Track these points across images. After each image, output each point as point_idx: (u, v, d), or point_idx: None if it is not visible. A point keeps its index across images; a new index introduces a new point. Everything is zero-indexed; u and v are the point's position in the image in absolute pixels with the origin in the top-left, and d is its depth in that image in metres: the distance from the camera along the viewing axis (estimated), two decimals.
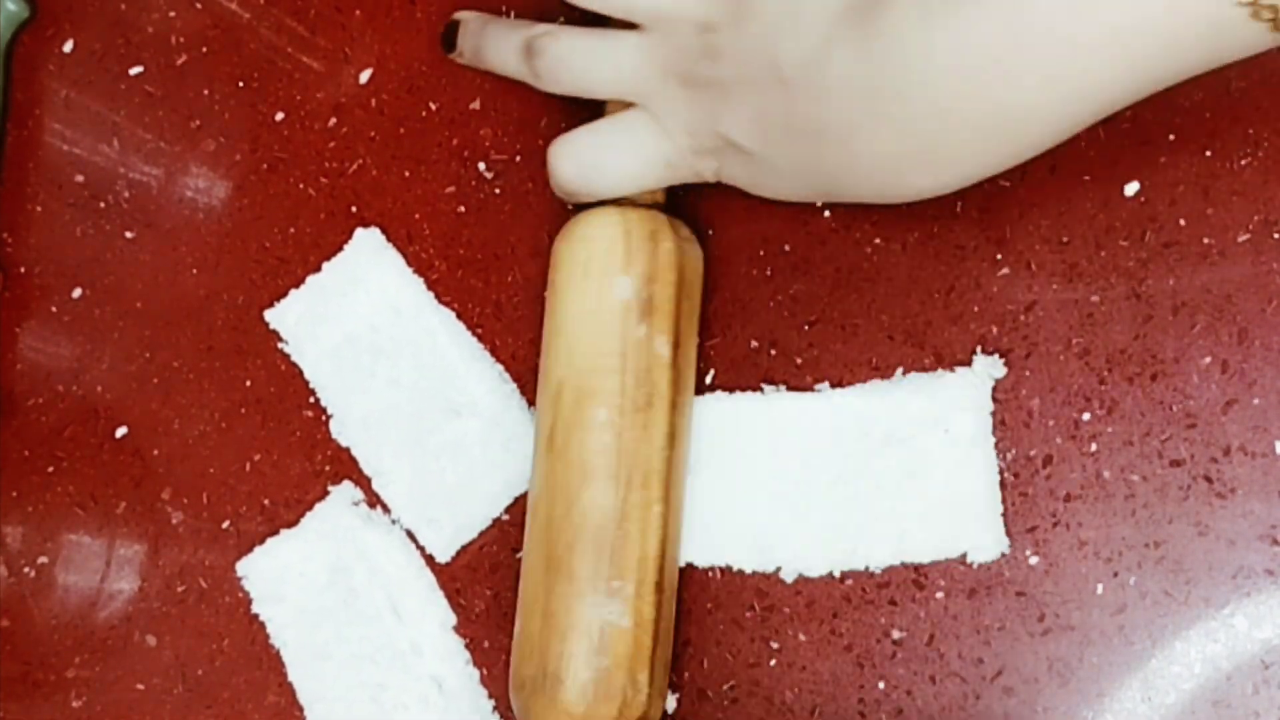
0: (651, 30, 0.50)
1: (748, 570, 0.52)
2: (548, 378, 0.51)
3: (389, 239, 0.57)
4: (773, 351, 0.53)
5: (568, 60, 0.52)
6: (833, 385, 0.52)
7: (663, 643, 0.51)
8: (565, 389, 0.50)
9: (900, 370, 0.51)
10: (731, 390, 0.53)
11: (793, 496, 0.51)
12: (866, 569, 0.51)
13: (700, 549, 0.52)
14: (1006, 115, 0.44)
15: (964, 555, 0.50)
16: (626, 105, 0.52)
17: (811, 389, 0.52)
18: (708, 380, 0.54)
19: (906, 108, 0.44)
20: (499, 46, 0.54)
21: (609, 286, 0.50)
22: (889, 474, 0.50)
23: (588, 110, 0.53)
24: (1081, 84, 0.43)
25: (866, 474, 0.50)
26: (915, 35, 0.44)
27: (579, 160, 0.52)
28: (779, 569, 0.51)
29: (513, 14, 0.57)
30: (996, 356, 0.50)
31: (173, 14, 0.62)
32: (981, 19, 0.43)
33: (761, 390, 0.53)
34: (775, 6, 0.47)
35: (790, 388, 0.52)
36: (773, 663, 0.52)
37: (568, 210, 0.55)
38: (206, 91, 0.61)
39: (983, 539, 0.49)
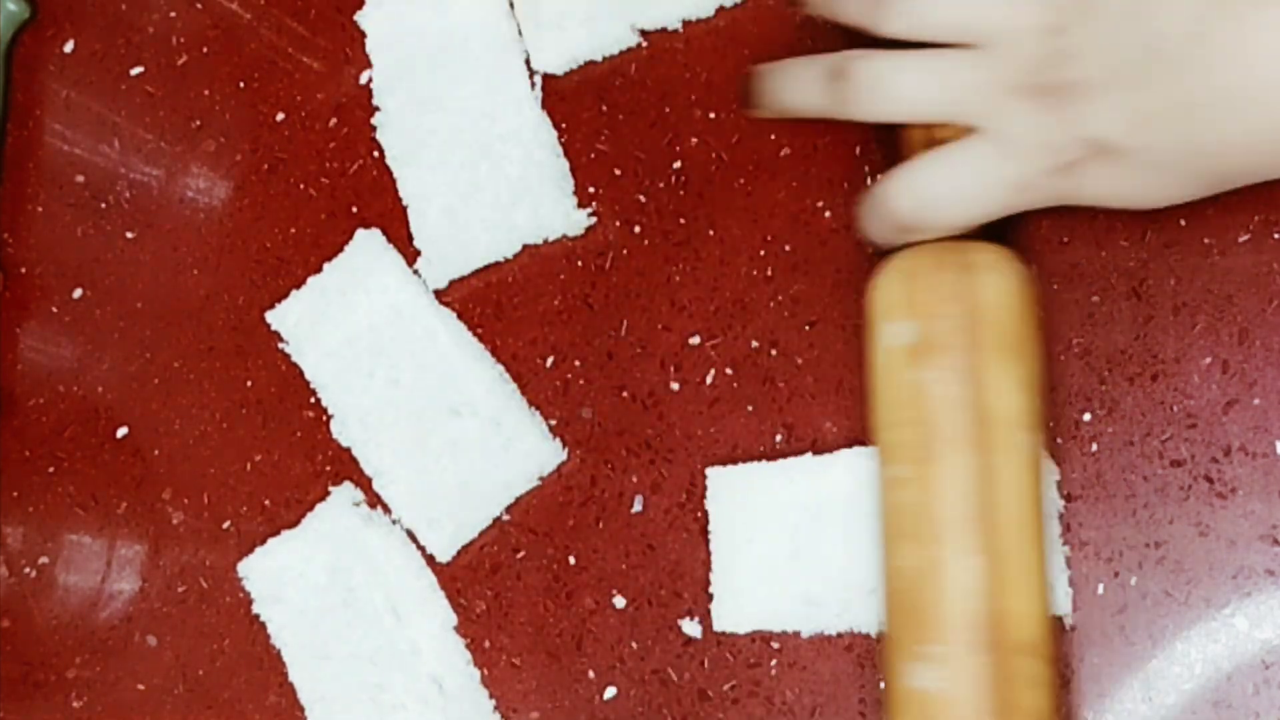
0: (987, 47, 0.47)
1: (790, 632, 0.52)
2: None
3: (389, 239, 0.57)
4: (773, 352, 0.53)
5: (885, 83, 0.48)
6: (834, 388, 0.52)
7: (1021, 708, 0.46)
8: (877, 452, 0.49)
9: None
10: (733, 393, 0.53)
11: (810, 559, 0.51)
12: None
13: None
14: None
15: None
16: (931, 135, 0.48)
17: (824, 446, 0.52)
18: (708, 379, 0.54)
19: None
20: (799, 81, 0.51)
21: (887, 335, 0.48)
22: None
23: None
24: None
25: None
26: None
27: (922, 195, 0.48)
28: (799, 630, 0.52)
29: None
30: None
31: (173, 14, 0.62)
32: None
33: (778, 441, 0.52)
34: None
35: (792, 446, 0.52)
36: (773, 663, 0.52)
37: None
38: (207, 92, 0.61)
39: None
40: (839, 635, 0.51)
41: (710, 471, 0.53)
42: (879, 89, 0.48)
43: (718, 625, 0.52)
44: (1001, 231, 0.49)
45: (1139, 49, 0.45)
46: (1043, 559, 0.47)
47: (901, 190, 0.48)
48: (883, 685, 0.50)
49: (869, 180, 0.53)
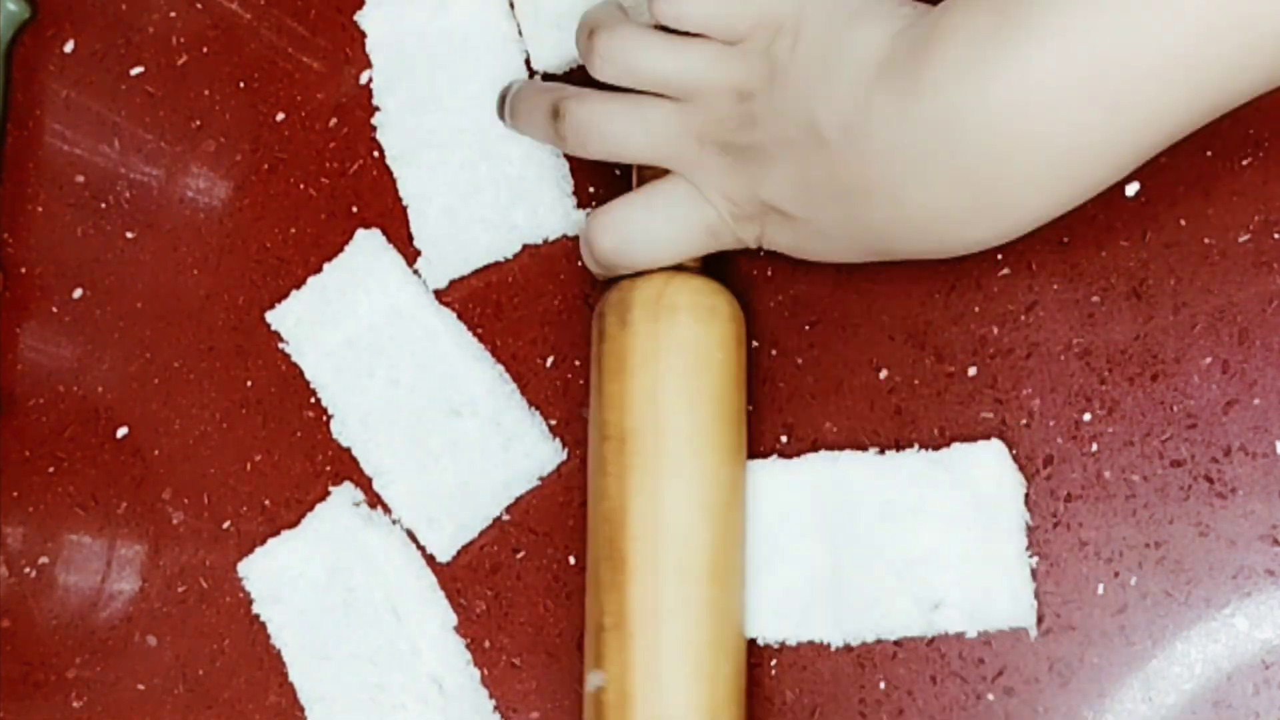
0: (688, 100, 0.49)
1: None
2: None
3: (389, 239, 0.57)
4: (773, 352, 0.53)
5: (596, 124, 0.50)
6: (834, 388, 0.52)
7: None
8: None
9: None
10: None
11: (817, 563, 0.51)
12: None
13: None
14: (1070, 153, 0.43)
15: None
16: (658, 172, 0.51)
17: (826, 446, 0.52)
18: None
19: (962, 159, 0.44)
20: (529, 108, 0.53)
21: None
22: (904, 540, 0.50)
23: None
24: (1148, 112, 0.42)
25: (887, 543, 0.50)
26: (966, 84, 0.43)
27: (618, 233, 0.51)
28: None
29: None
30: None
31: (173, 14, 0.62)
32: (1038, 56, 0.42)
33: (780, 441, 0.52)
34: (810, 70, 0.46)
35: (788, 451, 0.52)
36: (773, 662, 0.52)
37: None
38: (207, 92, 0.61)
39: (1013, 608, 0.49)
40: (853, 645, 0.51)
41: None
42: (590, 131, 0.50)
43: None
44: (722, 266, 0.52)
45: (804, 129, 0.46)
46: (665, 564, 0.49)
47: (605, 228, 0.51)
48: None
49: None
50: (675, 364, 0.50)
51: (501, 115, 0.55)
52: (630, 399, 0.49)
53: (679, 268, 0.51)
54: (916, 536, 0.49)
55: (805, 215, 0.48)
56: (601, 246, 0.51)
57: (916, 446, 0.50)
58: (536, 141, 0.55)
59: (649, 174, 0.51)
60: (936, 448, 0.50)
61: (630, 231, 0.51)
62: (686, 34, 0.49)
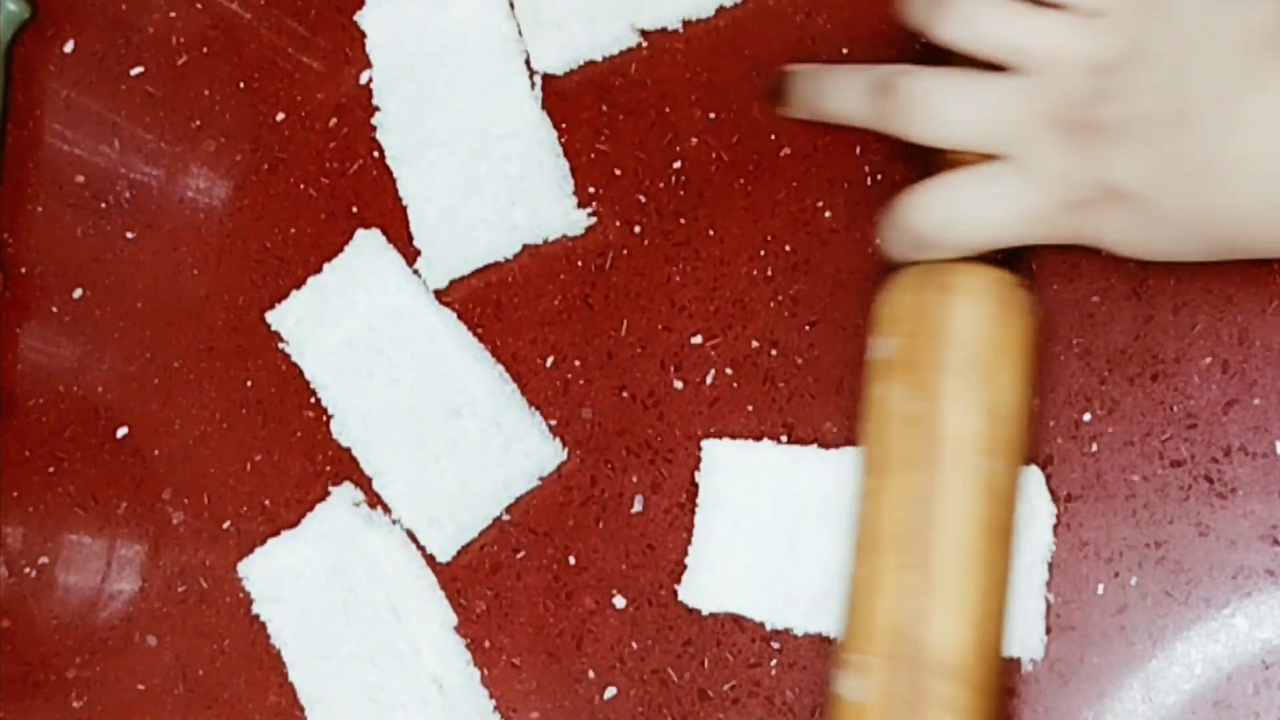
0: (1032, 73, 0.47)
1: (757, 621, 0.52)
2: None
3: (389, 239, 0.57)
4: (773, 352, 0.53)
5: (929, 101, 0.48)
6: (834, 388, 0.52)
7: None
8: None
9: None
10: (734, 394, 0.53)
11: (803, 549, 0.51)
12: None
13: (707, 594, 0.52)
14: None
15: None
16: (963, 157, 0.48)
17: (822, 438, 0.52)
18: (708, 379, 0.54)
19: None
20: (841, 90, 0.51)
21: (872, 348, 0.49)
22: None
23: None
24: None
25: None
26: None
27: (945, 211, 0.48)
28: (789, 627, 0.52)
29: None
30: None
31: (173, 14, 0.62)
32: None
33: (779, 441, 0.52)
34: (1180, 44, 0.45)
35: (794, 439, 0.52)
36: (773, 663, 0.52)
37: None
38: (207, 92, 0.61)
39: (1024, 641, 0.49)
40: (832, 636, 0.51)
41: (705, 444, 0.53)
42: (922, 110, 0.48)
43: (682, 596, 0.52)
44: (1021, 260, 0.50)
45: (1172, 103, 0.45)
46: (987, 586, 0.47)
47: (924, 206, 0.48)
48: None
49: (868, 180, 0.53)
50: (1022, 372, 0.48)
51: (780, 104, 0.53)
52: (954, 395, 0.47)
53: (980, 258, 0.49)
54: None
55: (1156, 199, 0.45)
56: (922, 223, 0.48)
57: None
58: (827, 121, 0.52)
59: (956, 158, 0.48)
60: None
61: (955, 211, 0.48)
62: (1044, 3, 0.47)
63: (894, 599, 0.47)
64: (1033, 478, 0.49)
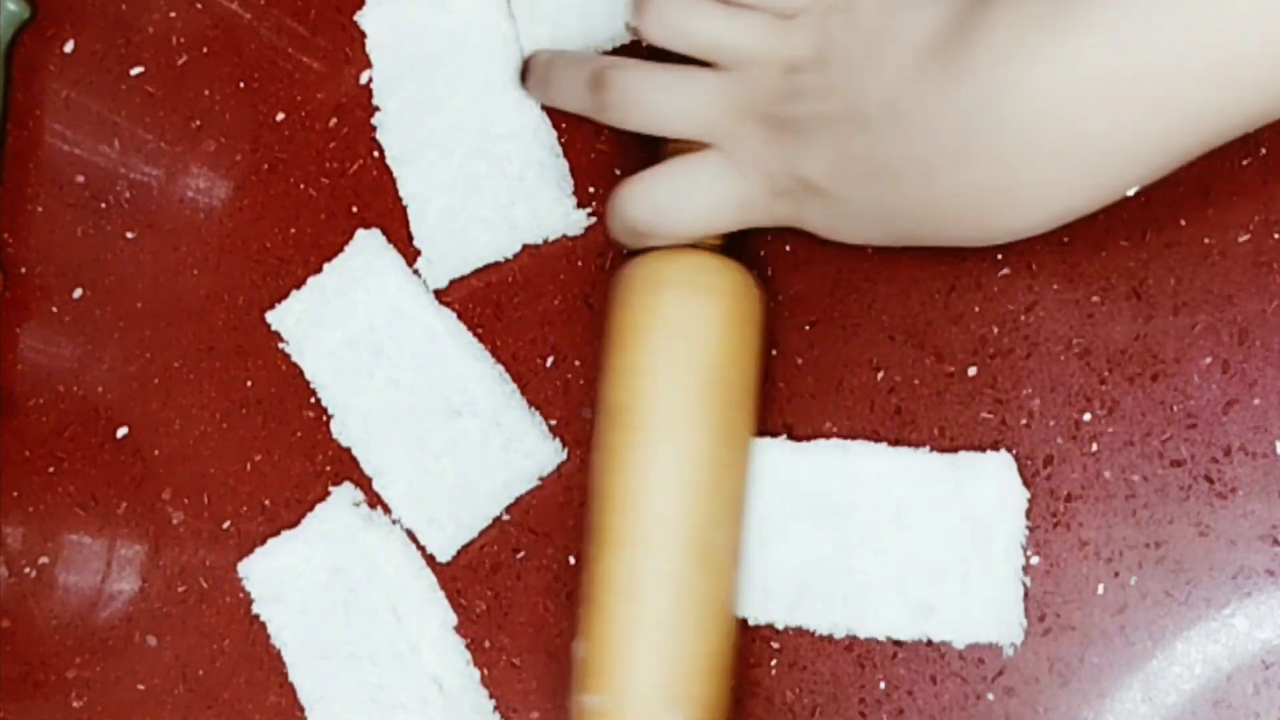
0: (733, 70, 0.49)
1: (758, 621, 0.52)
2: None
3: (389, 239, 0.57)
4: (773, 352, 0.53)
5: (638, 94, 0.51)
6: (834, 388, 0.52)
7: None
8: None
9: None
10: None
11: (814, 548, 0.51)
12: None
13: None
14: (1106, 149, 0.43)
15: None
16: (688, 146, 0.51)
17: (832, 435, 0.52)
18: None
19: (997, 145, 0.44)
20: (566, 78, 0.53)
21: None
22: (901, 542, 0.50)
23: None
24: (1187, 115, 0.42)
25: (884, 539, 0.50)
26: (1009, 71, 0.43)
27: (650, 201, 0.51)
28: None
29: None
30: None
31: (173, 14, 0.62)
32: (1086, 52, 0.42)
33: (786, 438, 0.52)
34: (861, 46, 0.46)
35: (793, 436, 0.52)
36: (773, 663, 0.52)
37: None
38: (207, 92, 0.61)
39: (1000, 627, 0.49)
40: (839, 637, 0.51)
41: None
42: (632, 102, 0.51)
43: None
44: (740, 245, 0.52)
45: (849, 105, 0.47)
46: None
47: (636, 196, 0.51)
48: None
49: None
50: (663, 341, 0.50)
51: (524, 85, 0.55)
52: (621, 374, 0.50)
53: (696, 245, 0.51)
54: (918, 539, 0.49)
55: (840, 194, 0.48)
56: (631, 214, 0.51)
57: (928, 447, 0.50)
58: (572, 113, 0.54)
59: (678, 150, 0.51)
60: (938, 449, 0.50)
61: (662, 201, 0.50)
62: (740, 4, 0.49)
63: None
64: (1002, 464, 0.49)
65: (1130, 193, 0.48)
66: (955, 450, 0.50)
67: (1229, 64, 0.41)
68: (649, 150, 0.52)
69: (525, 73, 0.55)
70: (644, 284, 0.51)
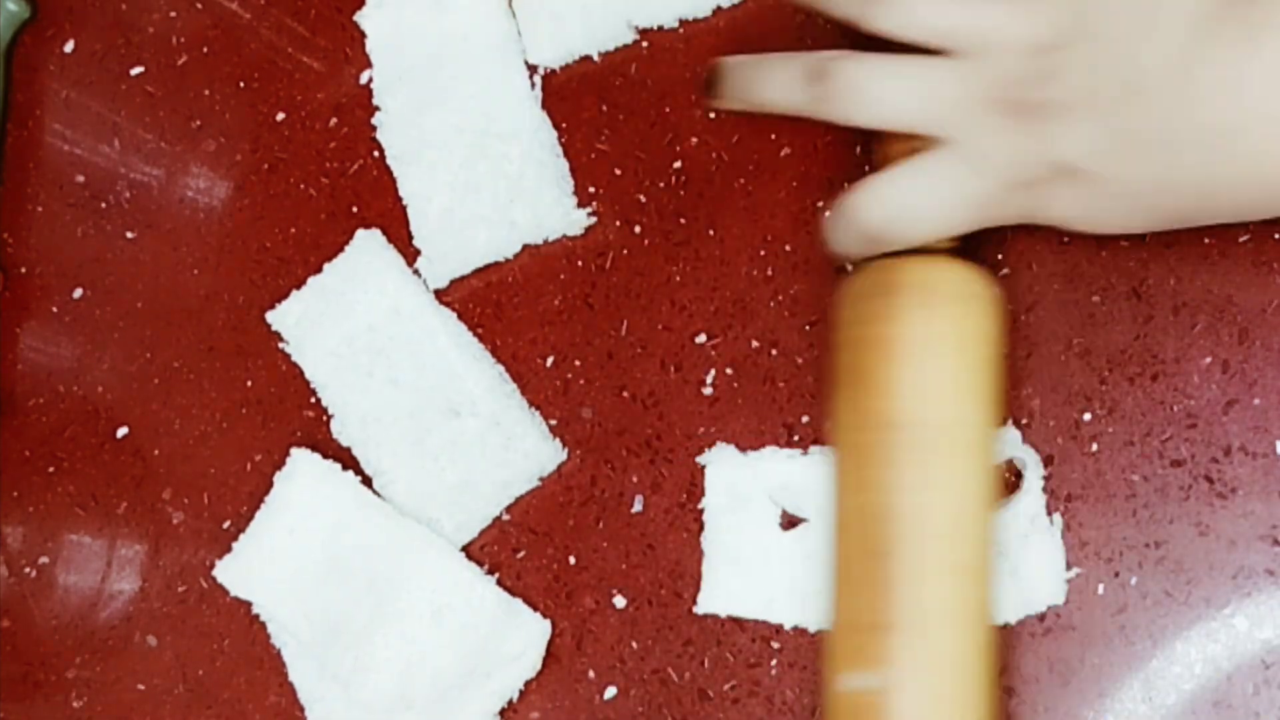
0: (971, 56, 0.47)
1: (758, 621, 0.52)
2: None
3: (389, 239, 0.57)
4: (773, 351, 0.53)
5: (866, 85, 0.48)
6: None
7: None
8: None
9: None
10: (736, 394, 0.53)
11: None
12: None
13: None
14: None
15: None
16: (905, 149, 0.48)
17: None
18: (708, 379, 0.54)
19: None
20: (775, 77, 0.51)
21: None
22: None
23: None
24: None
25: None
26: None
27: (892, 206, 0.48)
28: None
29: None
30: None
31: (173, 14, 0.62)
32: None
33: (780, 441, 0.52)
34: (1126, 15, 0.45)
35: (794, 438, 0.52)
36: (773, 663, 0.52)
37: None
38: (207, 92, 0.61)
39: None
40: None
41: (710, 454, 0.53)
42: (857, 94, 0.48)
43: (700, 609, 0.52)
44: (978, 246, 0.50)
45: (1120, 76, 0.45)
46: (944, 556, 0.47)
47: (870, 201, 0.48)
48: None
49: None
50: (946, 355, 0.47)
51: (711, 93, 0.53)
52: (900, 388, 0.47)
53: (929, 249, 0.49)
54: None
55: (1110, 173, 0.46)
56: (869, 219, 0.48)
57: None
58: (763, 112, 0.52)
59: (897, 150, 0.49)
60: None
61: (904, 204, 0.48)
62: None
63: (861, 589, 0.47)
64: (1010, 437, 0.49)
65: None
66: None
67: None
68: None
69: (711, 81, 0.53)
70: (918, 294, 0.48)
